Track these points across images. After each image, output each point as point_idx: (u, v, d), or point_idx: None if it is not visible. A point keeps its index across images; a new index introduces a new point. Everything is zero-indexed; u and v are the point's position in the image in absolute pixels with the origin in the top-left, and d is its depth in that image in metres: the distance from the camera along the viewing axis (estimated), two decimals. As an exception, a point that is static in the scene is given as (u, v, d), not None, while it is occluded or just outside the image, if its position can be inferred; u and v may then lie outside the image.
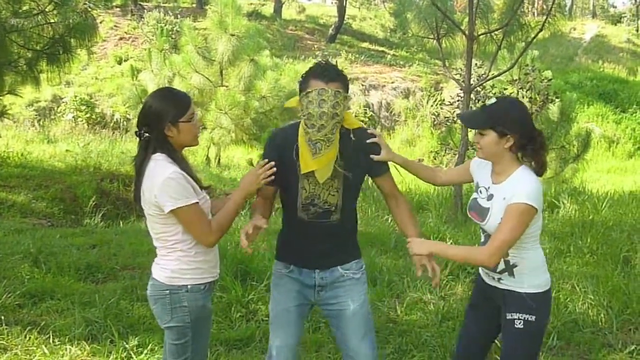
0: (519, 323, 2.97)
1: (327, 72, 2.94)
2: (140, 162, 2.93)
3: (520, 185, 2.89)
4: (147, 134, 2.93)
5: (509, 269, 3.01)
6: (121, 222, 8.40)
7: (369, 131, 3.16)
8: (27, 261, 5.93)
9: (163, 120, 2.91)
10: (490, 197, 3.02)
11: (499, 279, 3.06)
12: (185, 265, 2.95)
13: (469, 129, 6.70)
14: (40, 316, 4.85)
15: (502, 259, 2.99)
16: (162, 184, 2.82)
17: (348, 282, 3.18)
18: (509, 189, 2.91)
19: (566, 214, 7.57)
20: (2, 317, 4.60)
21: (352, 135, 3.08)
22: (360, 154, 3.10)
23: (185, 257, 2.95)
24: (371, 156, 3.12)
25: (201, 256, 2.99)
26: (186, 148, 3.09)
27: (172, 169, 2.85)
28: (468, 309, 3.38)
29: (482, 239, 3.14)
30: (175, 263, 2.95)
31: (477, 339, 3.29)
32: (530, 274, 3.00)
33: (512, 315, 2.99)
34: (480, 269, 3.22)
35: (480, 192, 3.11)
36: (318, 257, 3.17)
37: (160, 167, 2.87)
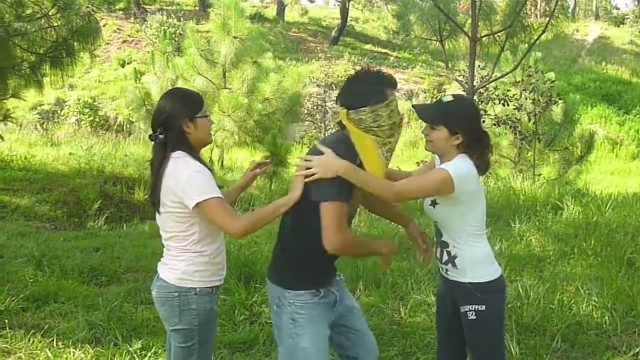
0: (471, 314, 3.04)
1: (393, 80, 2.99)
2: (160, 163, 2.94)
3: (450, 162, 3.01)
4: (162, 135, 2.95)
5: (451, 259, 3.10)
6: (124, 225, 8.40)
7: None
8: (30, 264, 5.94)
9: (181, 117, 2.95)
10: None
11: (446, 271, 3.15)
12: (196, 267, 2.96)
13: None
14: (43, 319, 4.85)
15: (444, 250, 3.11)
16: (189, 178, 2.84)
17: (342, 284, 3.17)
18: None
19: (570, 216, 7.54)
20: (6, 321, 4.61)
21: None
22: None
23: (198, 257, 2.96)
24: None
25: (211, 258, 3.00)
26: (203, 147, 3.12)
27: (197, 164, 2.89)
28: (436, 322, 3.48)
29: (435, 234, 3.22)
30: (186, 264, 2.95)
31: (451, 344, 3.34)
32: (473, 266, 3.06)
33: (463, 308, 3.07)
34: (437, 262, 3.25)
35: None
36: (334, 272, 3.09)
37: (183, 163, 2.89)
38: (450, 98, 3.06)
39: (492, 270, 3.10)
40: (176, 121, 2.94)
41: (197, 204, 2.83)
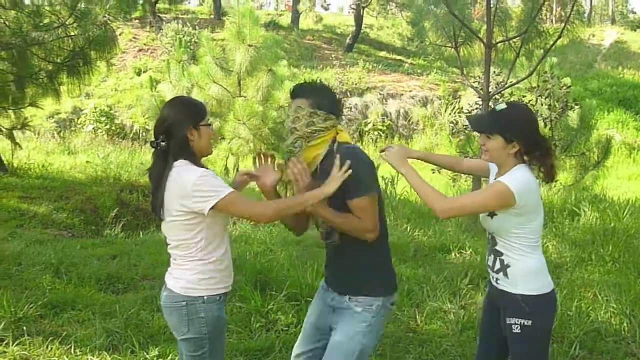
0: (516, 328, 2.99)
1: (293, 89, 3.13)
2: (160, 171, 2.93)
3: (509, 174, 2.95)
4: (163, 143, 2.94)
5: (503, 268, 3.05)
6: (141, 233, 8.44)
7: (337, 160, 2.95)
8: (48, 272, 5.98)
9: (185, 124, 2.94)
10: None
11: (497, 279, 3.11)
12: (202, 275, 2.95)
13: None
14: (61, 327, 4.88)
15: (498, 258, 3.07)
16: (195, 184, 2.83)
17: (346, 313, 3.06)
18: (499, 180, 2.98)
19: (587, 222, 7.50)
20: (24, 328, 4.65)
21: (335, 152, 3.01)
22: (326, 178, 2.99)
23: (203, 265, 2.95)
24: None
25: (217, 265, 2.99)
26: (203, 158, 3.10)
27: (201, 170, 2.88)
28: (479, 330, 3.45)
29: (489, 241, 3.17)
30: (191, 272, 2.95)
31: (491, 353, 3.29)
32: (525, 277, 3.01)
33: (509, 320, 3.03)
34: (488, 269, 3.23)
35: None
36: (332, 277, 3.19)
37: (186, 171, 2.88)
38: (503, 106, 3.01)
39: (545, 283, 3.05)
40: (180, 129, 2.94)
41: (215, 204, 2.82)
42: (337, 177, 2.90)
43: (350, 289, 3.07)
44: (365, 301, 3.03)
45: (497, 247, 3.08)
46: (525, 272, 3.01)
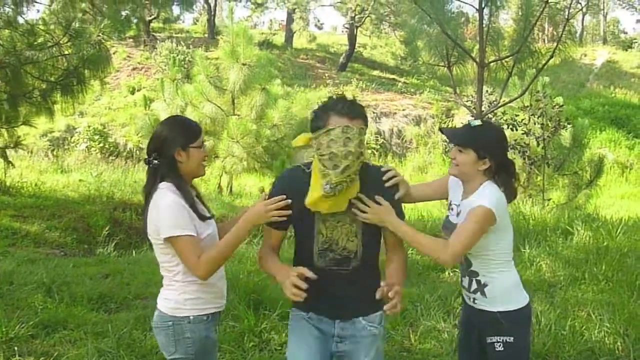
0: (499, 346, 3.01)
1: (352, 108, 2.72)
2: (149, 191, 2.95)
3: (483, 194, 2.96)
4: (156, 161, 2.95)
5: (481, 288, 3.06)
6: (134, 252, 8.40)
7: (383, 169, 2.93)
8: (40, 291, 5.94)
9: (174, 144, 2.93)
10: (459, 214, 3.10)
11: (474, 299, 3.12)
12: (188, 295, 2.95)
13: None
14: (53, 346, 4.84)
15: (473, 279, 3.07)
16: (161, 211, 2.85)
17: (369, 338, 2.94)
18: (474, 200, 2.97)
19: (580, 241, 7.50)
20: (16, 348, 4.61)
21: (367, 174, 2.85)
22: (375, 195, 2.85)
23: (187, 287, 2.95)
24: (395, 195, 2.90)
25: (203, 287, 2.96)
26: (195, 179, 3.11)
27: (172, 198, 2.86)
28: (458, 348, 3.44)
29: (462, 264, 3.17)
30: (177, 293, 2.96)
31: None
32: (503, 294, 3.04)
33: (491, 339, 3.04)
34: (463, 291, 3.23)
35: (452, 209, 3.18)
36: (336, 306, 2.93)
37: (161, 196, 2.89)
38: (479, 122, 3.03)
39: (521, 297, 3.08)
40: (169, 148, 2.93)
41: (166, 238, 2.85)
42: (263, 205, 2.85)
43: (370, 310, 2.95)
44: (380, 318, 2.98)
45: (473, 268, 3.09)
46: (503, 289, 3.04)
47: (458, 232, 2.94)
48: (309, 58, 33.57)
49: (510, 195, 3.06)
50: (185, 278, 2.93)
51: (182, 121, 3.12)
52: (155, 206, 2.88)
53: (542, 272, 6.67)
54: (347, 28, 34.03)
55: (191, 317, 2.95)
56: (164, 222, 2.83)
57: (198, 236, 2.88)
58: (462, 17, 12.75)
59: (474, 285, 3.09)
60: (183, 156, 2.94)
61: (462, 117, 21.39)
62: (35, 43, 9.68)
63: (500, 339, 3.00)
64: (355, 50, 33.58)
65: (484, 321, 3.08)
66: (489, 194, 2.94)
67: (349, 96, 2.83)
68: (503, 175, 3.03)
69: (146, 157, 2.99)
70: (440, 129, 3.31)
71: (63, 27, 9.70)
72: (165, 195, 2.87)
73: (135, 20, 30.50)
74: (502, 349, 2.99)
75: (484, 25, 8.76)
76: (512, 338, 2.98)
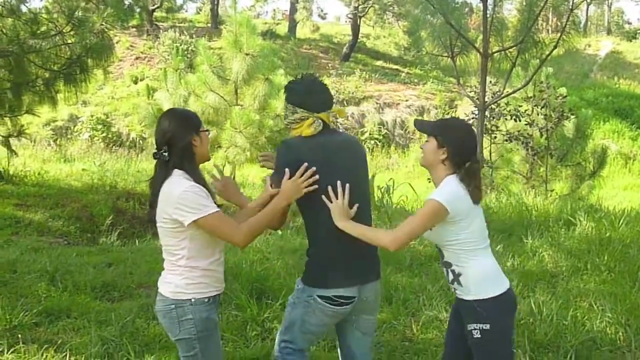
0: (476, 333, 3.08)
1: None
2: (161, 181, 3.03)
3: (440, 188, 3.07)
4: (166, 153, 3.03)
5: (456, 278, 3.14)
6: (137, 241, 8.42)
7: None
8: (43, 280, 5.96)
9: (189, 133, 3.07)
10: None
11: (454, 289, 3.20)
12: (189, 280, 3.05)
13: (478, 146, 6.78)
14: (56, 334, 4.87)
15: (449, 270, 3.16)
16: (179, 198, 2.94)
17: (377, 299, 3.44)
18: (431, 193, 3.08)
19: (583, 231, 7.50)
20: (19, 336, 4.63)
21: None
22: None
23: (189, 272, 3.04)
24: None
25: (205, 271, 3.08)
26: (202, 163, 3.21)
27: (188, 184, 2.98)
28: (445, 339, 3.55)
29: (438, 253, 3.27)
30: (179, 278, 3.05)
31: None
32: (477, 282, 3.10)
33: (469, 327, 3.12)
34: None
35: None
36: (366, 266, 3.28)
37: (176, 183, 2.99)
38: (448, 117, 3.12)
39: (497, 284, 3.13)
40: (183, 138, 3.05)
41: (194, 221, 2.94)
42: (296, 182, 3.13)
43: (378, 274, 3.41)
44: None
45: (445, 259, 3.17)
46: (476, 277, 3.10)
47: (406, 221, 3.08)
48: (312, 48, 33.49)
49: (475, 196, 3.09)
50: (188, 263, 3.04)
51: (184, 111, 3.38)
52: (169, 193, 2.98)
53: (545, 263, 6.67)
54: (350, 18, 33.93)
55: (193, 300, 3.05)
56: (188, 207, 2.93)
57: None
58: (466, 7, 12.75)
59: (451, 276, 3.17)
60: (197, 140, 3.09)
61: (465, 108, 21.32)
62: (39, 32, 9.68)
63: (477, 326, 3.07)
64: (359, 40, 33.52)
65: (464, 309, 3.17)
66: (444, 188, 3.05)
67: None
68: (464, 169, 3.07)
69: (155, 151, 3.08)
70: (414, 120, 3.40)
71: (66, 16, 9.68)
72: (181, 183, 2.98)
73: (138, 10, 30.68)
74: (480, 335, 3.06)
75: (487, 16, 8.74)
76: (488, 325, 3.04)
